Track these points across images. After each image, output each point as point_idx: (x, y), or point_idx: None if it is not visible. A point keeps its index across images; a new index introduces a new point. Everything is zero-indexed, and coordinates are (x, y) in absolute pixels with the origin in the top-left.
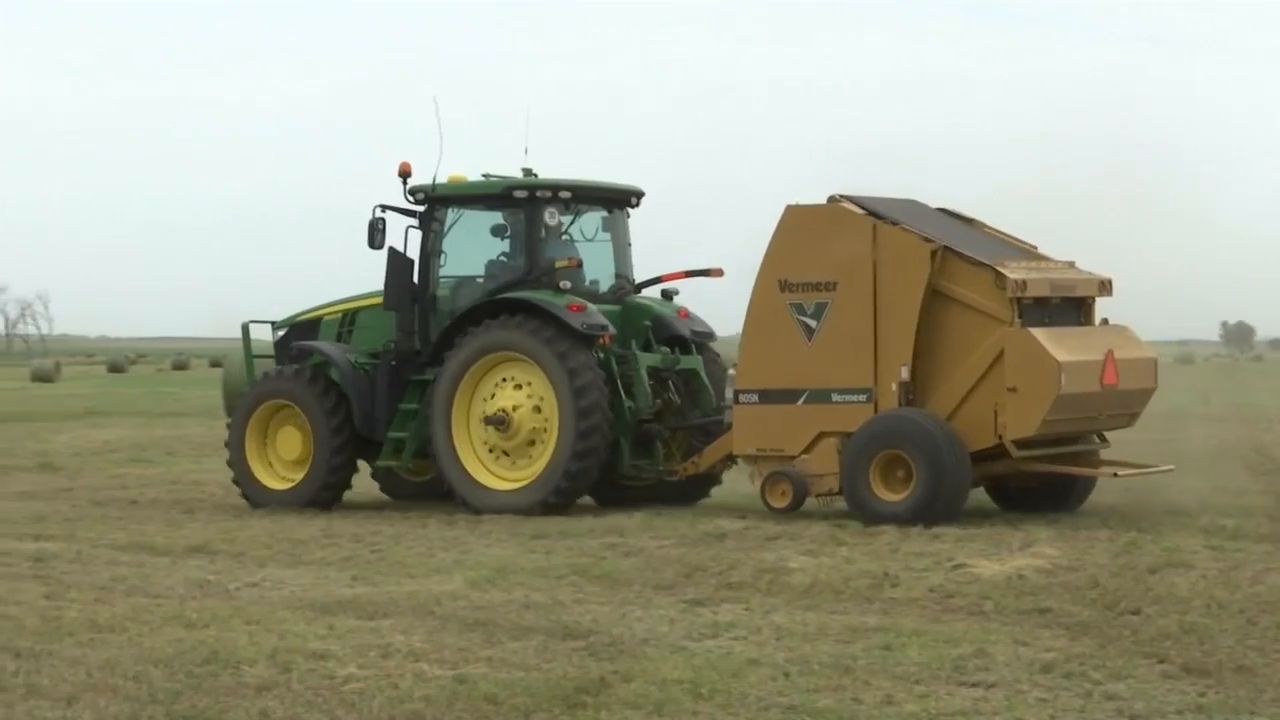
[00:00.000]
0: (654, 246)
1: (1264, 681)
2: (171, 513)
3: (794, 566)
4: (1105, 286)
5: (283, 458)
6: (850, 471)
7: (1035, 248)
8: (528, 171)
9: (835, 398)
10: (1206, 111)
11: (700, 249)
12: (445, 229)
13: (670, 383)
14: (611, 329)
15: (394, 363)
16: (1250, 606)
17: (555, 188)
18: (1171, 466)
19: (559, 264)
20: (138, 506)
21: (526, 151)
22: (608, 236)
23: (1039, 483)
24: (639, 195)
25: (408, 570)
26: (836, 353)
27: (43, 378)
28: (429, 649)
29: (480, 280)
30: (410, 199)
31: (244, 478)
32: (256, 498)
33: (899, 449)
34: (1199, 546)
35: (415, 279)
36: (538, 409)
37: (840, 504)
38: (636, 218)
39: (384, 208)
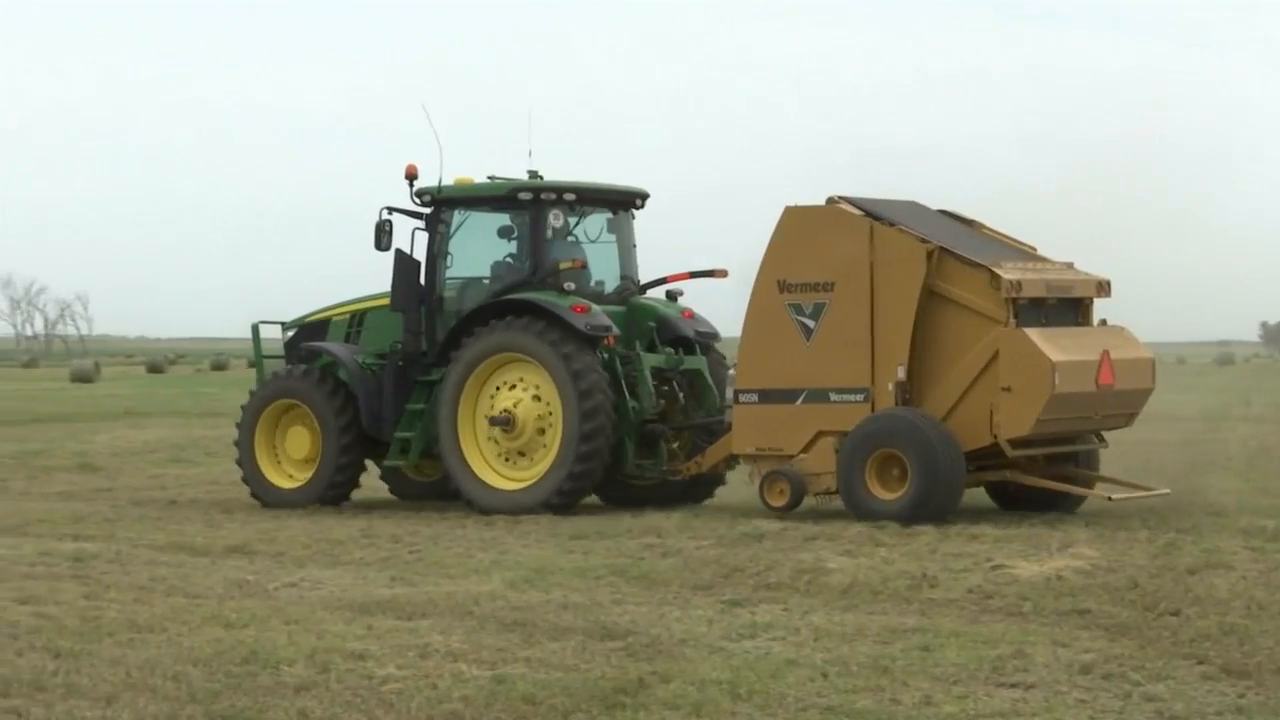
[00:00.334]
0: (659, 248)
1: None
2: (210, 513)
3: (832, 567)
4: (1103, 288)
5: (291, 457)
6: (846, 470)
7: (1034, 249)
8: (533, 173)
9: (833, 397)
10: (1244, 111)
11: (709, 250)
12: (451, 231)
13: (674, 383)
14: (615, 330)
15: (401, 363)
16: None
17: (560, 190)
18: (1167, 490)
19: (563, 265)
20: (177, 507)
21: (530, 154)
22: (613, 238)
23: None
24: (644, 197)
25: (446, 570)
26: (834, 353)
27: (82, 378)
28: (467, 649)
29: (486, 281)
30: (416, 201)
31: (253, 477)
32: (265, 496)
33: (894, 448)
34: (1239, 547)
35: (421, 280)
36: (542, 410)
37: (837, 503)
38: (642, 219)
39: (390, 210)
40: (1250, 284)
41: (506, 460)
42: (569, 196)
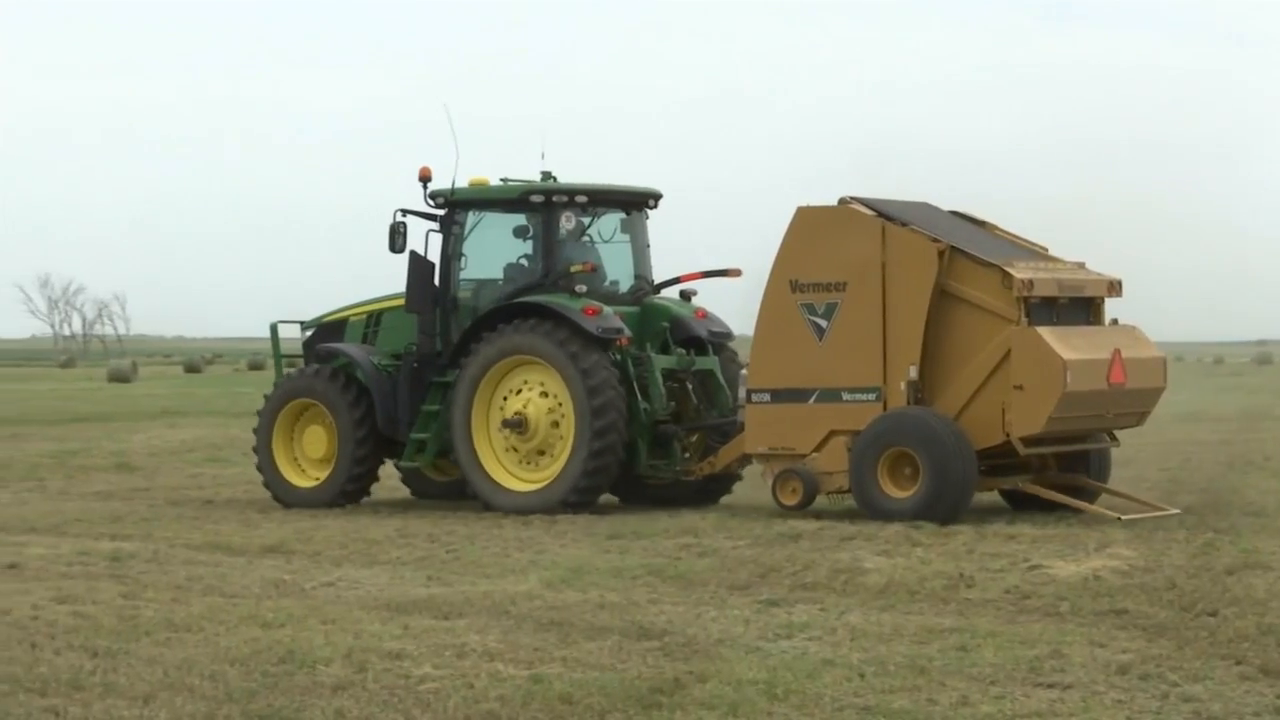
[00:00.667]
0: (674, 248)
1: None
2: (247, 513)
3: (869, 567)
4: (1114, 287)
5: (309, 456)
6: (858, 469)
7: (1046, 249)
8: (547, 175)
9: (845, 397)
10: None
11: (722, 250)
12: (465, 233)
13: (687, 384)
14: (627, 331)
15: (416, 364)
16: None
17: (572, 192)
18: (1177, 510)
19: (574, 268)
20: (214, 506)
21: (543, 155)
22: (626, 238)
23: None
24: (657, 197)
25: (483, 570)
26: (846, 352)
27: (120, 378)
28: (504, 649)
29: (500, 283)
30: (430, 203)
31: (270, 475)
32: (283, 495)
33: (906, 447)
34: (1277, 548)
35: (436, 282)
36: (555, 412)
37: (850, 501)
38: (655, 219)
39: (404, 212)
40: None
41: (520, 461)
42: (581, 198)
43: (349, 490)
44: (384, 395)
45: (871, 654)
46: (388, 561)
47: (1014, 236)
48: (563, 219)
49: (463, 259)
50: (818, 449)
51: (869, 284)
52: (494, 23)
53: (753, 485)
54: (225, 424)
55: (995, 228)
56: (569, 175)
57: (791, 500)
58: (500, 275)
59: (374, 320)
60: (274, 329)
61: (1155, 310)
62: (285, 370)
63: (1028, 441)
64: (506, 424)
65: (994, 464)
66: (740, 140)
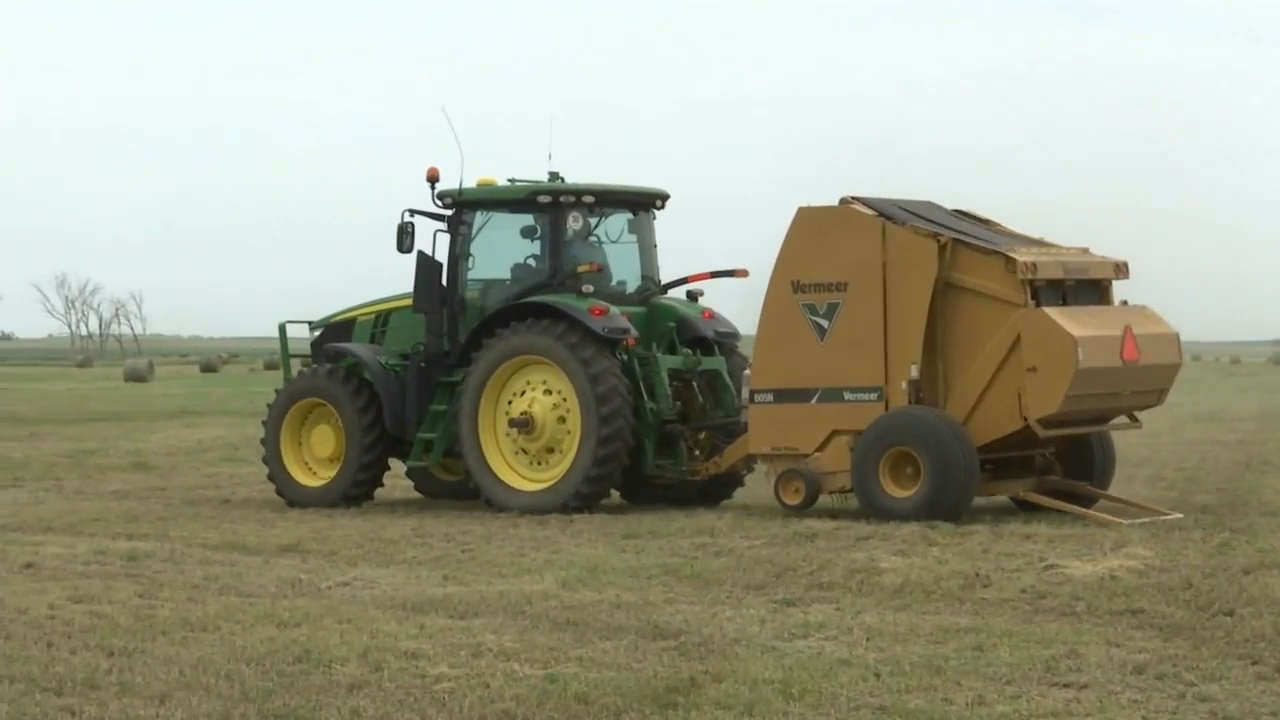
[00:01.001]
0: (681, 248)
1: None
2: (263, 512)
3: (885, 567)
4: (1121, 269)
5: (316, 455)
6: (860, 468)
7: (1044, 240)
8: (554, 175)
9: (847, 396)
10: None
11: (729, 251)
12: (472, 233)
13: (693, 384)
14: (634, 332)
15: (423, 364)
16: None
17: (579, 192)
18: (1180, 515)
19: (580, 269)
20: (230, 506)
21: (550, 156)
22: (633, 238)
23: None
24: (664, 198)
25: (499, 570)
26: (848, 352)
27: (136, 378)
28: (520, 648)
29: (507, 283)
30: (438, 203)
31: (278, 474)
32: (290, 494)
33: (907, 446)
34: None
35: (444, 282)
36: (561, 412)
37: (853, 501)
38: (663, 219)
39: (412, 212)
40: None
41: (527, 462)
42: (588, 199)
43: (356, 490)
44: (391, 395)
45: (887, 653)
46: (403, 561)
47: (1017, 234)
48: (570, 219)
49: (470, 259)
50: (820, 449)
51: (870, 284)
52: (503, 23)
53: (762, 485)
54: (241, 424)
55: (998, 225)
56: (576, 175)
57: (794, 500)
58: (507, 275)
59: (382, 320)
60: (282, 329)
61: (1171, 309)
62: (299, 369)
63: (1046, 423)
64: (513, 423)
65: (1000, 459)
66: (741, 141)
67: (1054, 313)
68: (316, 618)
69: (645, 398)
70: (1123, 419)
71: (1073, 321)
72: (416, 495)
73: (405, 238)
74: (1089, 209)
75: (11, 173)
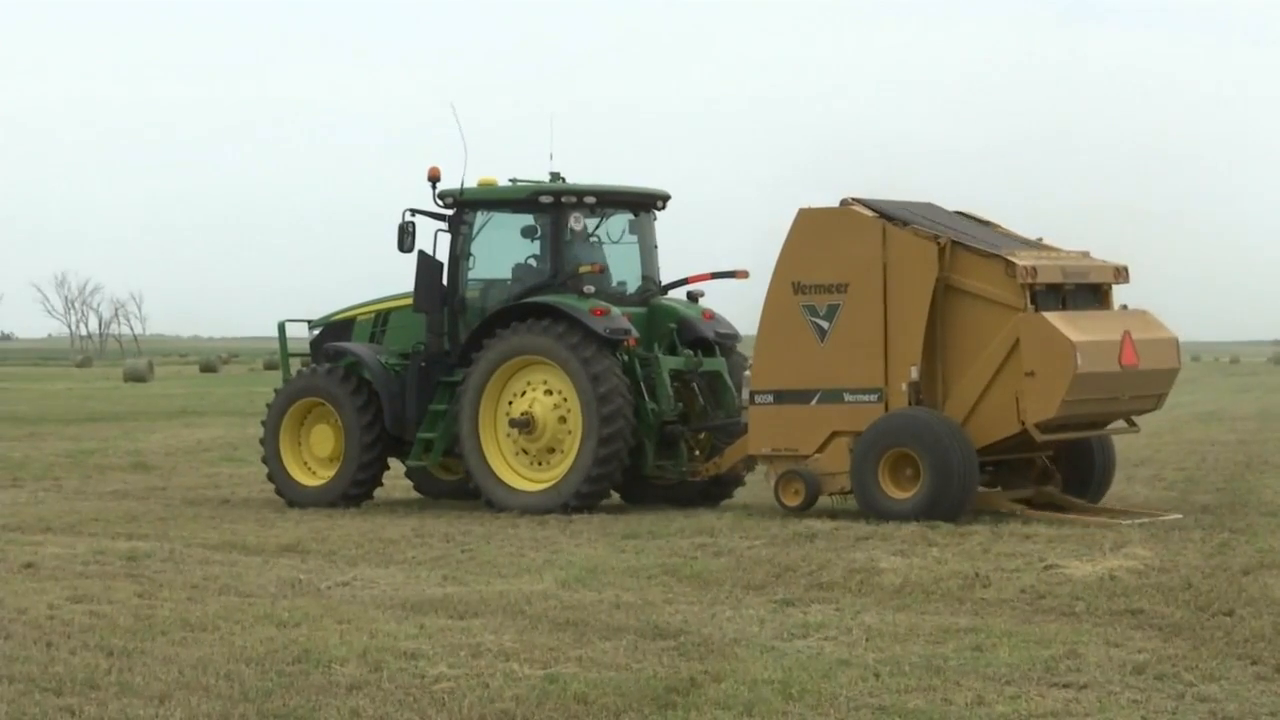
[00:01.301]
0: (682, 249)
1: None
2: (263, 512)
3: (885, 567)
4: (1121, 273)
5: (316, 455)
6: (859, 470)
7: (1051, 243)
8: (555, 176)
9: (847, 398)
10: None
11: (730, 252)
12: (473, 233)
13: (694, 385)
14: (635, 332)
15: (423, 364)
16: None
17: (580, 193)
18: (1179, 515)
19: (581, 269)
20: (230, 506)
21: (552, 156)
22: (634, 239)
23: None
24: (665, 199)
25: (498, 570)
26: (848, 353)
27: (136, 377)
28: (519, 648)
29: (508, 283)
30: (439, 203)
31: (278, 474)
32: (290, 494)
33: (906, 447)
34: None
35: (444, 282)
36: (562, 412)
37: (853, 503)
38: (664, 220)
39: (413, 212)
40: None
41: (527, 462)
42: (589, 199)
43: (356, 489)
44: (391, 395)
45: (887, 654)
46: (403, 561)
47: (1017, 235)
48: (571, 219)
49: (471, 259)
50: (820, 450)
51: (870, 285)
52: (505, 23)
53: (762, 486)
54: (241, 423)
55: (999, 227)
56: (577, 176)
57: (794, 501)
58: (508, 275)
59: (382, 319)
60: (282, 328)
61: (1171, 309)
62: (299, 369)
63: (1044, 427)
64: (514, 423)
65: (1001, 461)
66: (742, 141)
67: (1053, 317)
68: (316, 618)
69: (646, 398)
70: (1120, 423)
71: (1071, 326)
72: (416, 495)
73: (406, 237)
74: (1089, 209)
75: (11, 173)
